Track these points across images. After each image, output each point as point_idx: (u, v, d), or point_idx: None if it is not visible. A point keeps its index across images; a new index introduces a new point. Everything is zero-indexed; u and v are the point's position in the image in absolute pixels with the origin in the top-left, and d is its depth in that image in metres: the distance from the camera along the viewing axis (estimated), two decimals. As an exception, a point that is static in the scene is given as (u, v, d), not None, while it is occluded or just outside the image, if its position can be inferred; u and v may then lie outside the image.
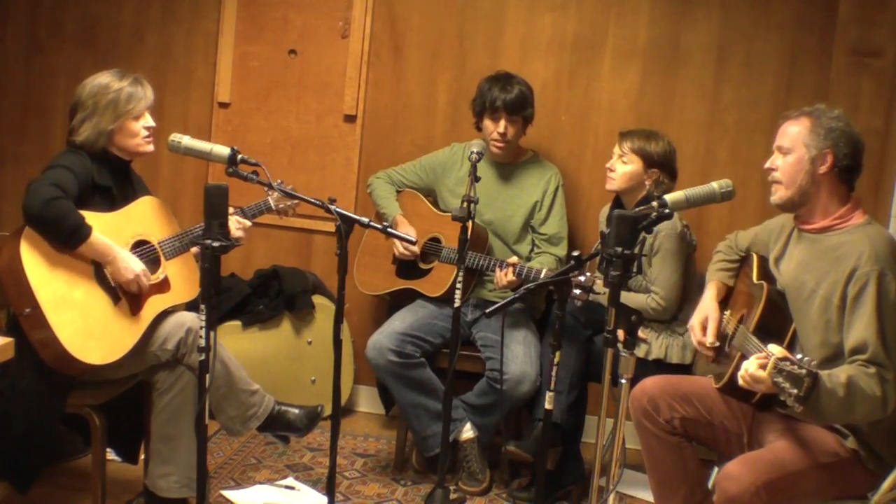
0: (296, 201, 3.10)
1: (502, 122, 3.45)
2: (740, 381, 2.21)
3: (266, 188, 2.96)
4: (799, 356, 2.07)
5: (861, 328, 2.28)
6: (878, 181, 3.59)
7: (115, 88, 2.75)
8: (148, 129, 2.82)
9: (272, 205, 3.13)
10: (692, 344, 3.18)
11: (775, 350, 2.14)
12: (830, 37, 3.70)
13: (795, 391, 2.02)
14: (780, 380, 2.06)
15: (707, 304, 2.77)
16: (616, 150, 3.30)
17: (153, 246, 2.79)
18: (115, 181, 2.80)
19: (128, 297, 2.70)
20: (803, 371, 2.01)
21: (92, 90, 2.74)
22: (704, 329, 2.71)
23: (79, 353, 2.54)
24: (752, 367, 2.16)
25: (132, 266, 2.66)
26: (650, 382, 2.70)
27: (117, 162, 2.82)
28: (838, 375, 2.19)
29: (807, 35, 3.72)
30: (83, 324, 2.58)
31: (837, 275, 2.37)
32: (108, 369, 2.67)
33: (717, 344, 2.68)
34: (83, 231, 2.57)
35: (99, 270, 2.66)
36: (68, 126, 2.77)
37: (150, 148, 2.85)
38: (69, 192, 2.57)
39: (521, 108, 3.46)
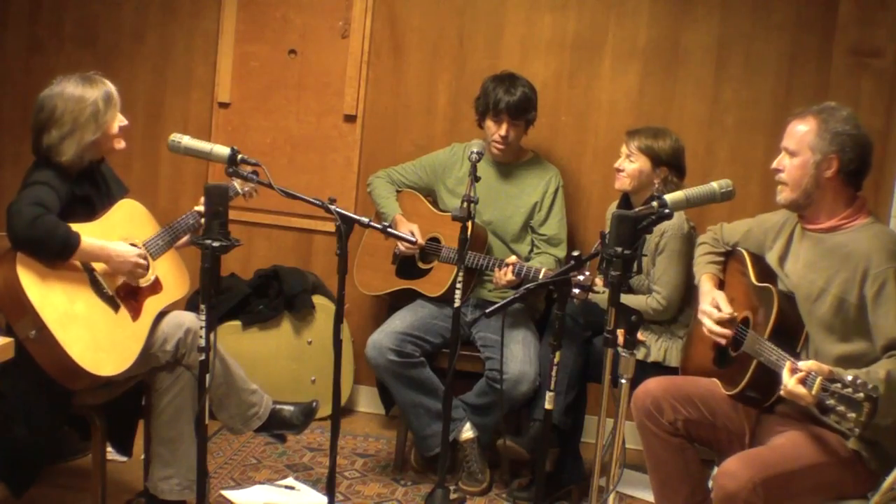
0: (256, 183, 3.03)
1: (504, 125, 3.45)
2: (782, 393, 2.19)
3: (245, 186, 3.04)
4: (850, 377, 2.01)
5: (890, 326, 2.27)
6: (878, 181, 3.58)
7: (92, 99, 2.68)
8: (122, 128, 2.79)
9: (238, 189, 3.08)
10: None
11: (813, 366, 2.11)
12: (830, 37, 3.69)
13: (854, 415, 1.95)
14: (831, 402, 2.01)
15: (709, 290, 2.74)
16: (623, 149, 3.28)
17: (139, 248, 2.79)
18: (93, 187, 2.79)
19: (126, 302, 2.70)
20: (861, 395, 1.94)
21: (67, 105, 2.65)
22: (718, 309, 2.65)
23: (92, 367, 2.52)
24: (792, 384, 2.14)
25: (127, 256, 2.66)
26: (653, 384, 2.69)
27: (91, 165, 2.80)
28: (877, 372, 2.17)
29: (807, 35, 3.72)
30: (91, 337, 2.56)
31: (849, 273, 2.36)
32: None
33: (735, 315, 2.64)
34: (73, 240, 2.54)
35: (94, 281, 2.65)
36: (38, 143, 2.68)
37: (123, 145, 2.81)
38: (51, 208, 2.54)
39: (524, 112, 3.46)
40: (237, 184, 3.09)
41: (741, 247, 2.77)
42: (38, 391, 2.60)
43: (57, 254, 2.54)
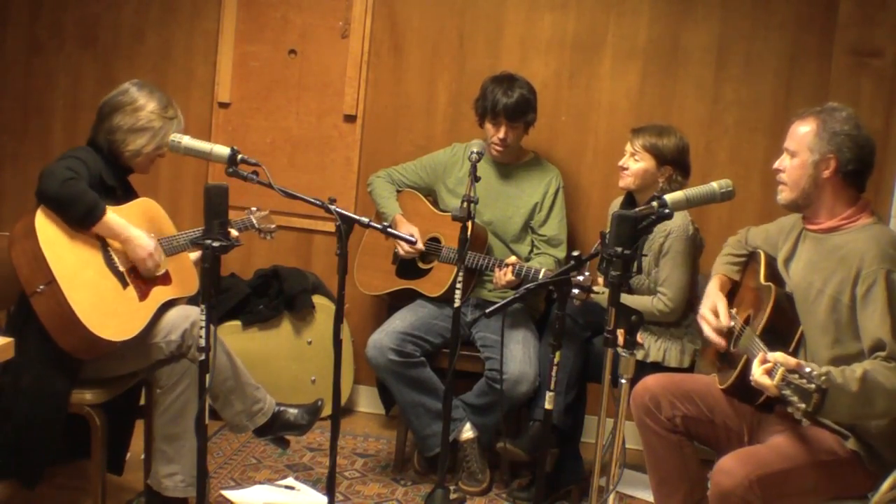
0: (275, 225, 3.23)
1: (503, 128, 3.45)
2: (751, 381, 2.21)
3: (262, 223, 3.18)
4: (808, 369, 2.03)
5: (875, 327, 2.27)
6: (878, 181, 3.59)
7: (172, 116, 2.86)
8: (157, 158, 2.93)
9: (256, 224, 3.19)
10: (690, 347, 3.19)
11: (779, 357, 2.12)
12: (830, 37, 3.70)
13: (803, 406, 1.99)
14: (787, 392, 2.04)
15: (713, 293, 2.75)
16: (628, 147, 3.27)
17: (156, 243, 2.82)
18: (119, 183, 2.86)
19: (135, 283, 2.74)
20: (812, 386, 1.97)
21: (149, 105, 2.81)
22: (717, 316, 2.67)
23: (94, 328, 2.55)
24: (758, 374, 2.15)
25: (145, 244, 2.72)
26: (652, 380, 2.69)
27: (124, 167, 2.90)
28: (854, 370, 2.18)
29: (807, 35, 3.72)
30: (97, 301, 2.61)
31: (844, 274, 2.36)
32: (113, 362, 2.69)
33: (732, 324, 2.66)
34: (99, 209, 2.62)
35: (107, 256, 2.70)
36: (104, 123, 2.80)
37: (147, 171, 2.96)
38: (82, 177, 2.63)
39: (522, 115, 3.45)
40: (255, 219, 3.18)
41: (761, 249, 2.78)
42: (39, 386, 2.62)
43: (81, 218, 2.61)
